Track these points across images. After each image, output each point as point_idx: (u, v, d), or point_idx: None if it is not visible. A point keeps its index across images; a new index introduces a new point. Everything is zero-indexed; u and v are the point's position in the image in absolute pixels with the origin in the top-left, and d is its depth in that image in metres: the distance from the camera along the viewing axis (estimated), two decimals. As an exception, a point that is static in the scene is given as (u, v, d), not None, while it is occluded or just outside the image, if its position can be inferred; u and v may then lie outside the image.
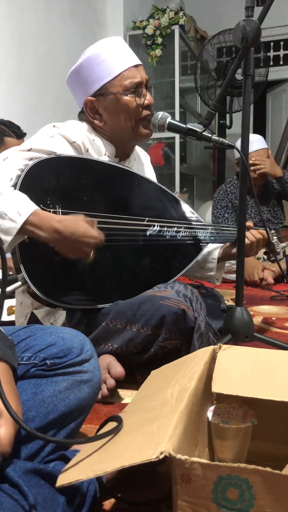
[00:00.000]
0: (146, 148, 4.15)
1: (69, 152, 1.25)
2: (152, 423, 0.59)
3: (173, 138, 4.15)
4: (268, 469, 0.47)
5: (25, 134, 2.53)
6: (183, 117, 4.68)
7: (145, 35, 4.09)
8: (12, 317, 1.76)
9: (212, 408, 0.73)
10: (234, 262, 2.04)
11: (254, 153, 2.84)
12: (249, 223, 1.43)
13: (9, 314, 1.80)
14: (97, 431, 0.67)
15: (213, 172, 5.56)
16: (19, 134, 2.50)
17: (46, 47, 3.28)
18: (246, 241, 1.39)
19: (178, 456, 0.48)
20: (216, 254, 1.50)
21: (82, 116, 1.39)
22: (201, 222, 1.43)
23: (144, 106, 1.32)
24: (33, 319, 1.26)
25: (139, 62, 1.34)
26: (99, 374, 0.82)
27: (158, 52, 4.08)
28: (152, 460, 0.48)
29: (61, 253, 1.11)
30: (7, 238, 1.05)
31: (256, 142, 2.88)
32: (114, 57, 1.29)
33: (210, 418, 0.71)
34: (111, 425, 0.65)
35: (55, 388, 0.74)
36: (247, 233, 1.40)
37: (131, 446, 0.54)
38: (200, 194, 5.30)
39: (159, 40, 4.07)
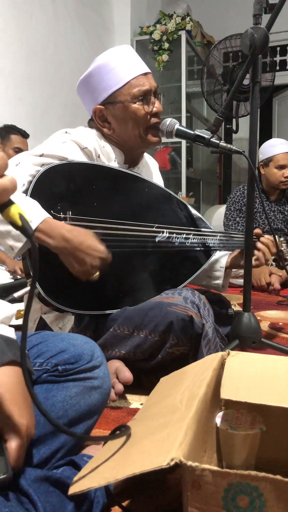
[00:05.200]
0: (153, 152, 4.17)
1: (81, 158, 1.26)
2: (162, 430, 0.59)
3: (180, 142, 4.16)
4: (278, 476, 0.47)
5: (28, 135, 2.58)
6: (190, 122, 4.70)
7: (152, 41, 4.11)
8: (20, 321, 1.76)
9: (220, 414, 0.73)
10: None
11: (283, 155, 2.82)
12: (257, 230, 1.43)
13: (17, 318, 1.81)
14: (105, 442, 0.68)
15: (219, 177, 5.56)
16: (24, 134, 2.57)
17: (54, 52, 3.31)
18: (262, 259, 1.39)
19: (189, 463, 0.49)
20: (223, 263, 1.49)
21: (91, 124, 1.40)
22: (210, 228, 1.43)
23: (152, 114, 1.33)
24: (41, 324, 1.27)
25: (148, 70, 1.35)
26: (109, 380, 0.83)
27: (165, 57, 4.10)
28: (163, 467, 0.48)
29: (66, 264, 1.11)
30: (18, 245, 1.07)
31: (284, 145, 2.86)
32: (122, 66, 1.30)
33: (218, 424, 0.71)
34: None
35: (66, 394, 0.74)
36: (265, 250, 1.40)
37: (142, 454, 0.55)
38: (206, 198, 5.30)
39: (166, 45, 4.09)
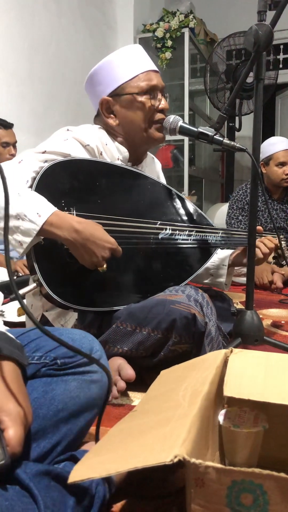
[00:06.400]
0: (155, 150, 4.17)
1: (83, 155, 1.26)
2: (164, 425, 0.59)
3: (182, 140, 4.15)
4: (282, 474, 0.47)
5: (12, 124, 2.52)
6: (192, 120, 4.69)
7: (155, 38, 4.10)
8: (22, 318, 1.76)
9: (223, 411, 0.73)
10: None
11: (283, 152, 2.82)
12: (258, 227, 1.43)
13: (19, 315, 1.81)
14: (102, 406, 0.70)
15: (221, 175, 5.56)
16: (6, 125, 2.48)
17: (57, 50, 3.30)
18: (259, 254, 1.39)
19: (193, 460, 0.48)
20: (226, 261, 1.50)
21: (97, 120, 1.40)
22: (212, 226, 1.43)
23: (158, 109, 1.33)
24: (43, 321, 1.27)
25: (157, 69, 1.36)
26: (109, 373, 0.83)
27: (168, 54, 4.09)
28: (166, 463, 0.48)
29: (76, 255, 1.12)
30: (27, 240, 1.06)
31: (283, 142, 2.86)
32: (132, 61, 1.32)
33: (221, 422, 0.71)
34: (125, 420, 0.66)
35: (66, 387, 0.74)
36: (260, 245, 1.40)
37: (144, 448, 0.54)
38: (208, 196, 5.30)
39: (169, 43, 4.08)
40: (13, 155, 2.45)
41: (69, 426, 0.74)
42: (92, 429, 0.98)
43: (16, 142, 2.52)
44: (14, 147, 2.50)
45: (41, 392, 0.73)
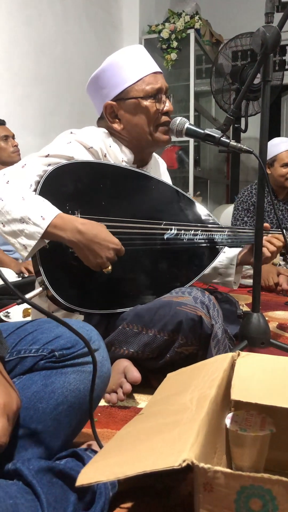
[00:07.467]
0: (160, 151, 4.16)
1: (87, 157, 1.26)
2: (172, 429, 0.59)
3: (187, 141, 4.14)
4: (291, 480, 0.47)
5: (4, 121, 2.57)
6: (198, 121, 4.68)
7: (161, 39, 4.10)
8: (27, 319, 1.77)
9: (230, 415, 0.72)
10: (248, 267, 2.02)
11: (286, 153, 2.80)
12: (266, 225, 1.42)
13: (24, 316, 1.82)
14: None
15: (227, 176, 5.55)
16: (0, 122, 2.55)
17: (63, 51, 3.31)
18: (267, 252, 1.38)
19: (201, 464, 0.48)
20: (234, 260, 1.49)
21: (100, 123, 1.39)
22: (218, 224, 1.43)
23: (163, 112, 1.33)
24: (49, 322, 1.27)
25: (160, 71, 1.35)
26: (108, 364, 0.82)
27: (173, 56, 4.09)
28: (175, 467, 0.48)
29: (80, 257, 1.12)
30: (31, 243, 1.07)
31: (287, 142, 2.85)
32: (136, 63, 1.31)
33: (228, 426, 0.70)
34: (132, 423, 0.65)
35: (65, 380, 0.74)
36: (267, 244, 1.40)
37: (152, 451, 0.54)
38: (213, 197, 5.28)
39: (175, 44, 4.08)
40: (16, 147, 2.51)
41: (69, 419, 0.74)
42: (100, 431, 0.98)
43: (14, 135, 2.57)
44: (14, 139, 2.56)
45: (40, 386, 0.73)
